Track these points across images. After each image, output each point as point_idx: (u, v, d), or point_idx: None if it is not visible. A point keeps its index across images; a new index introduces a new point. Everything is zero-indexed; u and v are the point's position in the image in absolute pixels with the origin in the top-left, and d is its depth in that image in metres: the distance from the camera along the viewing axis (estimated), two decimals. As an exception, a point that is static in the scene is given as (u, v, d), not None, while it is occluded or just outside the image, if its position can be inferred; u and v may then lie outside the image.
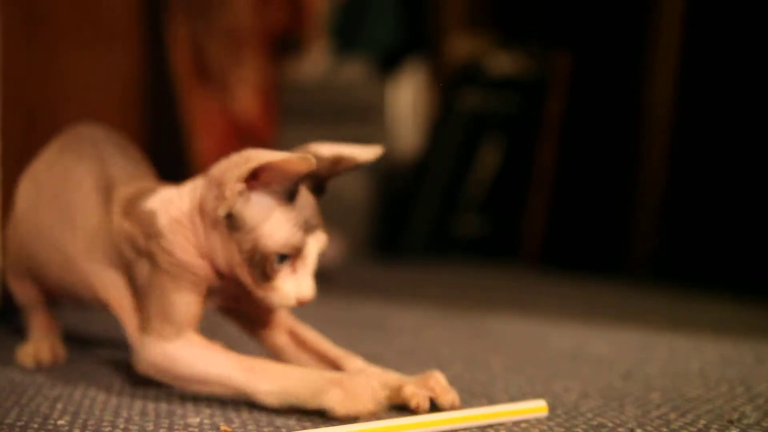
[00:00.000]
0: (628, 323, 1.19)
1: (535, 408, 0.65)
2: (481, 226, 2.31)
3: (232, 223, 0.66)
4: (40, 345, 0.84)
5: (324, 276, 1.87)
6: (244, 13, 2.13)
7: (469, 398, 0.72)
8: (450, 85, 2.26)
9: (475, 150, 2.24)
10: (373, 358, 0.90)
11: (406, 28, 2.56)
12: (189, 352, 0.66)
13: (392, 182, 2.34)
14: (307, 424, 0.62)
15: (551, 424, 0.64)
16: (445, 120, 2.23)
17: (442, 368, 0.85)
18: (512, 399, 0.72)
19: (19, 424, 0.61)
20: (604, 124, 2.12)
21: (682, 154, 1.96)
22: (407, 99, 2.39)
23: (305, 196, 0.68)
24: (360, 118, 2.34)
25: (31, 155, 0.84)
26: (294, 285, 0.67)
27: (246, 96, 2.17)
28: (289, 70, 2.39)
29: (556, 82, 2.20)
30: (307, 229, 0.67)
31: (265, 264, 0.65)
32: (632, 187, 2.03)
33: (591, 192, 2.14)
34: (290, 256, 0.66)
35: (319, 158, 0.68)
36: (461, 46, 2.40)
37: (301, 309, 1.35)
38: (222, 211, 0.65)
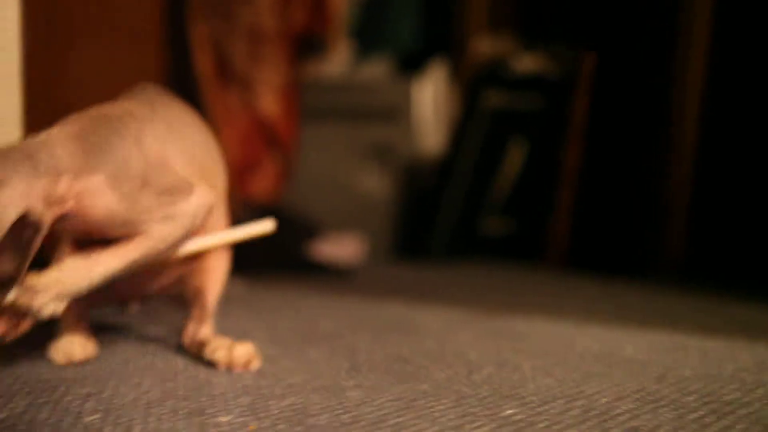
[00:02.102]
0: (658, 326, 1.17)
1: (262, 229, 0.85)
2: (507, 227, 2.30)
3: None
4: (71, 341, 0.84)
5: (344, 276, 1.86)
6: (266, 13, 2.13)
7: (499, 399, 0.71)
8: (474, 85, 2.25)
9: (500, 150, 2.23)
10: (400, 360, 0.89)
11: (430, 27, 2.55)
12: None
13: (416, 182, 2.33)
14: (337, 423, 0.62)
15: (583, 427, 0.63)
16: (469, 120, 2.22)
17: (472, 370, 0.84)
18: (544, 401, 0.71)
19: (50, 421, 0.61)
20: (631, 124, 2.10)
21: (711, 155, 1.93)
22: (431, 98, 2.38)
23: None
24: (383, 118, 2.33)
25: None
26: None
27: (268, 96, 2.17)
28: (311, 69, 2.39)
29: (581, 81, 2.18)
30: None
31: None
32: (660, 187, 2.01)
33: (618, 193, 2.12)
34: None
35: None
36: (485, 46, 2.39)
37: (324, 309, 1.34)
38: None
